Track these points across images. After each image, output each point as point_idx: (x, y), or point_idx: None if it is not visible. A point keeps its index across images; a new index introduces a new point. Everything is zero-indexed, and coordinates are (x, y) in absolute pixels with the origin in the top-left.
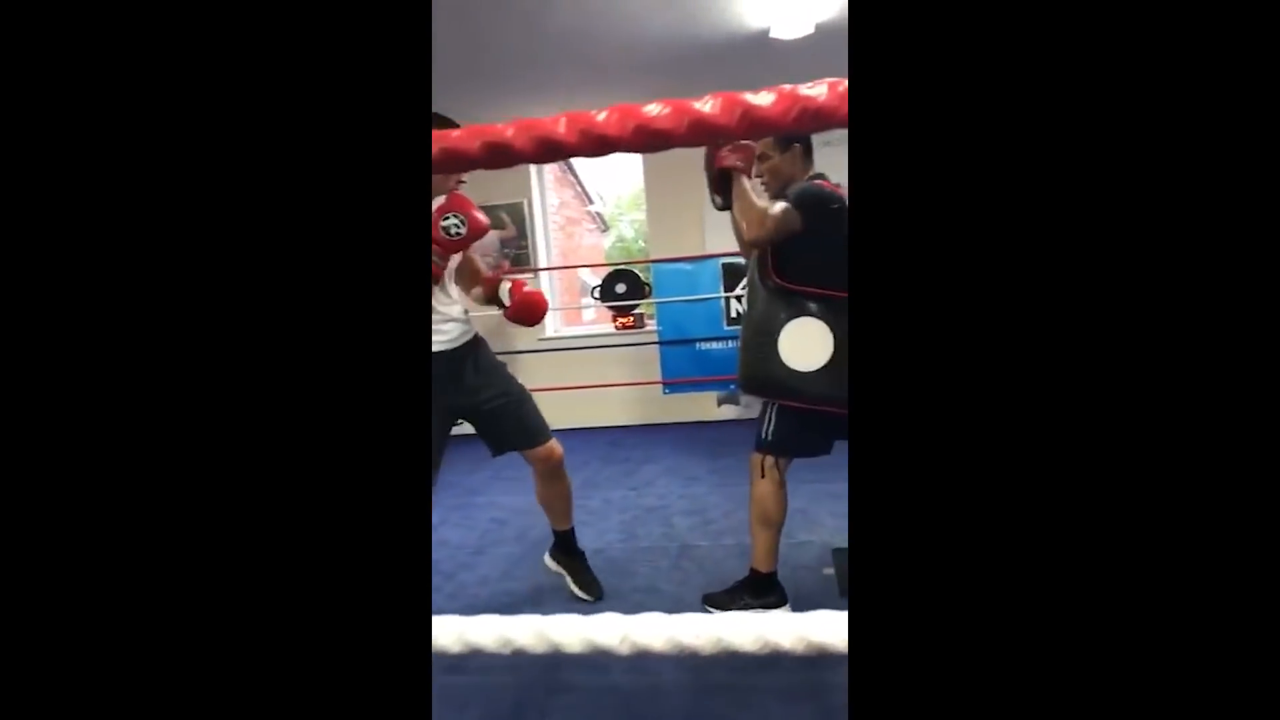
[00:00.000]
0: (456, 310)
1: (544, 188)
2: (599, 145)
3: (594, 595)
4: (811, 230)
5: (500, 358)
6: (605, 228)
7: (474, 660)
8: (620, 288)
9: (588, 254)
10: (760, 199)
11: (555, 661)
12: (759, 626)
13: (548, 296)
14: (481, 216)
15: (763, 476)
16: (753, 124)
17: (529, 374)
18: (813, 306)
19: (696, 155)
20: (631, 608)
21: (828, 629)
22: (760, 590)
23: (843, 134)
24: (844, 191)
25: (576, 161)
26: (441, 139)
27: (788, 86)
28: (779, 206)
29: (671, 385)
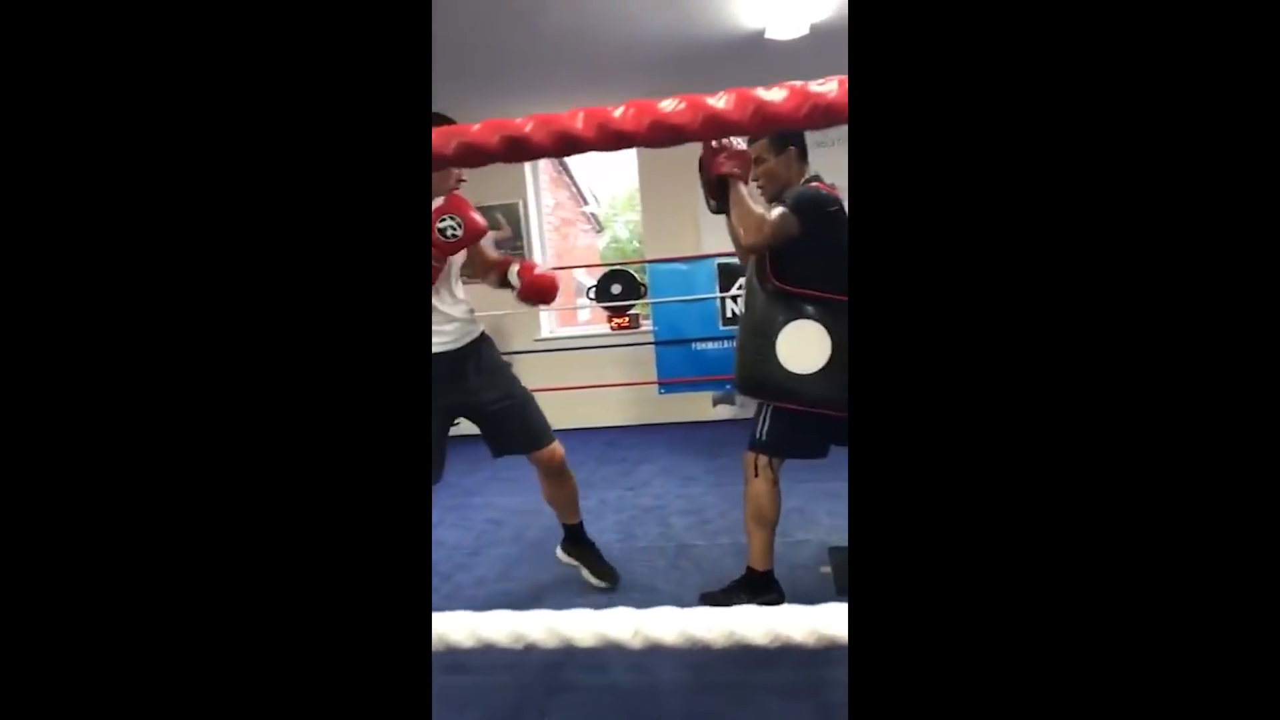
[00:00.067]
0: (460, 310)
1: (539, 188)
2: (615, 140)
3: (610, 582)
4: (809, 234)
5: None
6: (600, 228)
7: (474, 660)
8: (616, 288)
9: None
10: (757, 205)
11: (555, 661)
12: (770, 619)
13: None
14: (479, 218)
15: (756, 476)
16: (765, 119)
17: (525, 374)
18: (811, 309)
19: (691, 156)
20: (630, 606)
21: (838, 622)
22: (757, 589)
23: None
24: (840, 193)
25: (572, 161)
26: (460, 133)
27: (798, 83)
28: (776, 212)
29: (667, 385)
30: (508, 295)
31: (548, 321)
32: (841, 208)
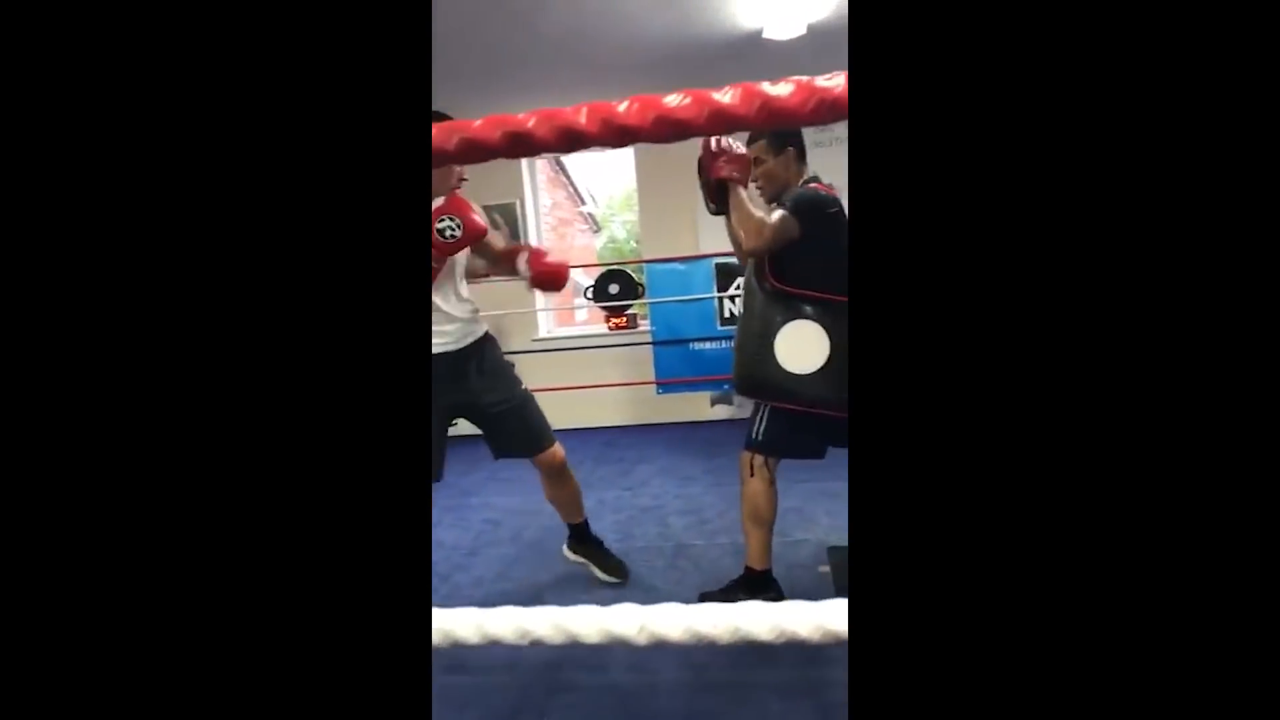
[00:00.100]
0: (462, 310)
1: (536, 188)
2: (619, 135)
3: (620, 577)
4: (808, 235)
5: None
6: (597, 228)
7: (473, 660)
8: (614, 288)
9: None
10: (756, 208)
11: (554, 660)
12: (775, 615)
13: (539, 298)
14: (479, 219)
15: (751, 475)
16: (772, 114)
17: (523, 374)
18: (809, 310)
19: (689, 156)
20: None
21: (842, 617)
22: (756, 588)
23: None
24: (838, 194)
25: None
26: (462, 128)
27: (805, 78)
28: (777, 215)
29: (665, 385)
30: (505, 295)
31: (545, 321)
32: (841, 209)
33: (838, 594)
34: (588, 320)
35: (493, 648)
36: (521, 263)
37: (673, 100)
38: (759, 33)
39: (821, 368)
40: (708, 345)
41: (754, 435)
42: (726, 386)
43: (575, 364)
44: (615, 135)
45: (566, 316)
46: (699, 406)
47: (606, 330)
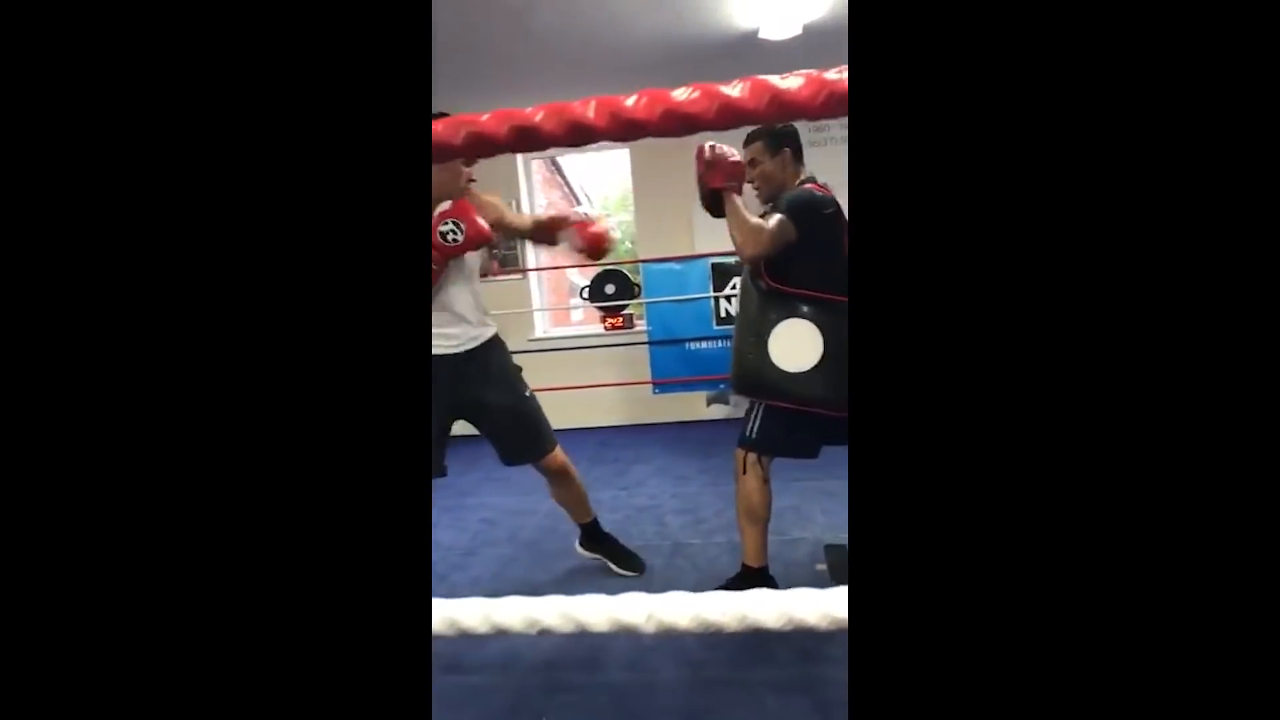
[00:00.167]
0: (469, 313)
1: (532, 188)
2: (627, 129)
3: (637, 570)
4: (805, 236)
5: None
6: None
7: (469, 659)
8: (609, 288)
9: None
10: (752, 215)
11: (551, 660)
12: (782, 602)
13: (535, 298)
14: (483, 224)
15: (744, 473)
16: (781, 108)
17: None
18: (804, 309)
19: (684, 156)
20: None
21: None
22: (752, 585)
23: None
24: (833, 193)
25: (564, 161)
26: (469, 123)
27: (813, 71)
28: (774, 220)
29: (661, 385)
30: (502, 295)
31: (541, 321)
32: (837, 209)
33: None
34: (583, 320)
35: (488, 647)
36: (566, 237)
37: (681, 94)
38: (755, 32)
39: (815, 366)
40: (704, 345)
41: (748, 433)
42: (723, 386)
43: (571, 364)
44: (623, 129)
45: (562, 316)
46: (695, 406)
47: (602, 330)
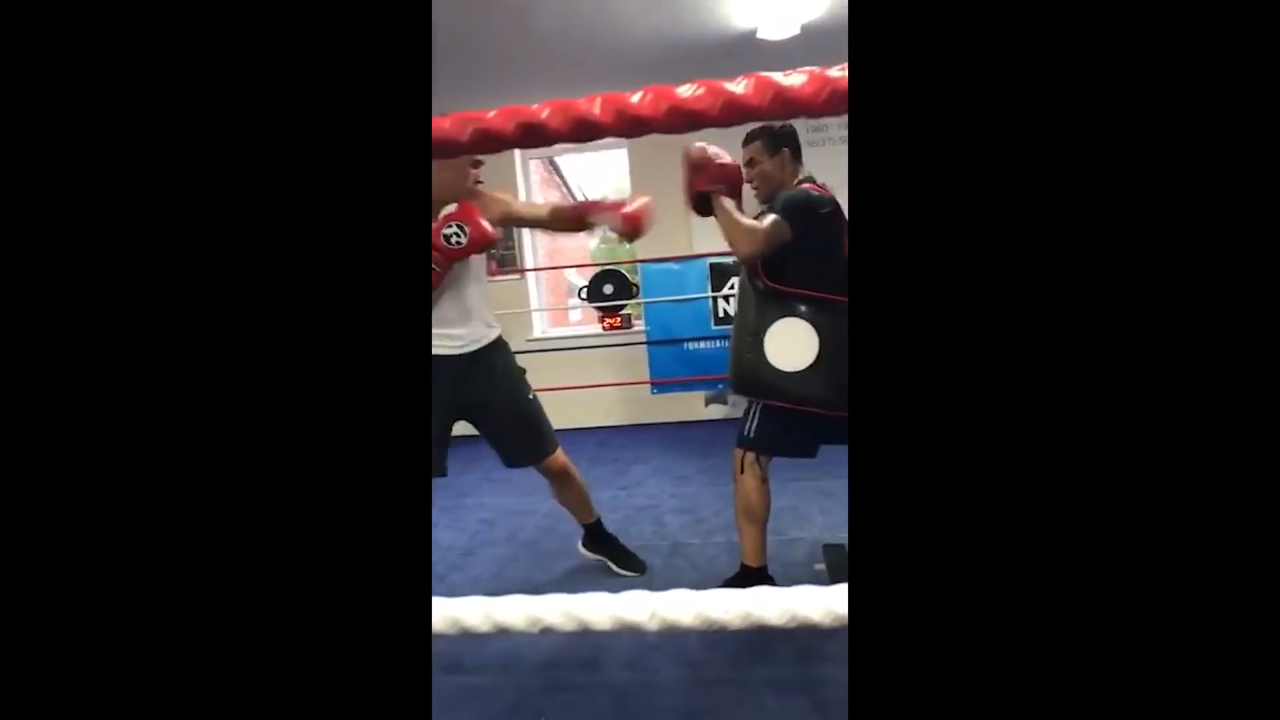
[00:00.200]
0: (478, 314)
1: (530, 188)
2: (632, 125)
3: (638, 570)
4: (801, 236)
5: None
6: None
7: (468, 659)
8: (608, 288)
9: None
10: (744, 216)
11: (550, 660)
12: (786, 600)
13: (533, 298)
14: (487, 227)
15: (742, 472)
16: (785, 105)
17: None
18: (801, 308)
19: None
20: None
21: None
22: (751, 585)
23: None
24: (832, 193)
25: (562, 162)
26: (475, 119)
27: (817, 69)
28: (768, 220)
29: (659, 385)
30: (498, 296)
31: (539, 321)
32: (834, 208)
33: None
34: (582, 320)
35: (488, 647)
36: (607, 217)
37: (686, 91)
38: (753, 33)
39: (810, 366)
40: (702, 345)
41: (746, 433)
42: (721, 386)
43: (569, 364)
44: (628, 126)
45: (561, 317)
46: (693, 406)
47: (601, 330)
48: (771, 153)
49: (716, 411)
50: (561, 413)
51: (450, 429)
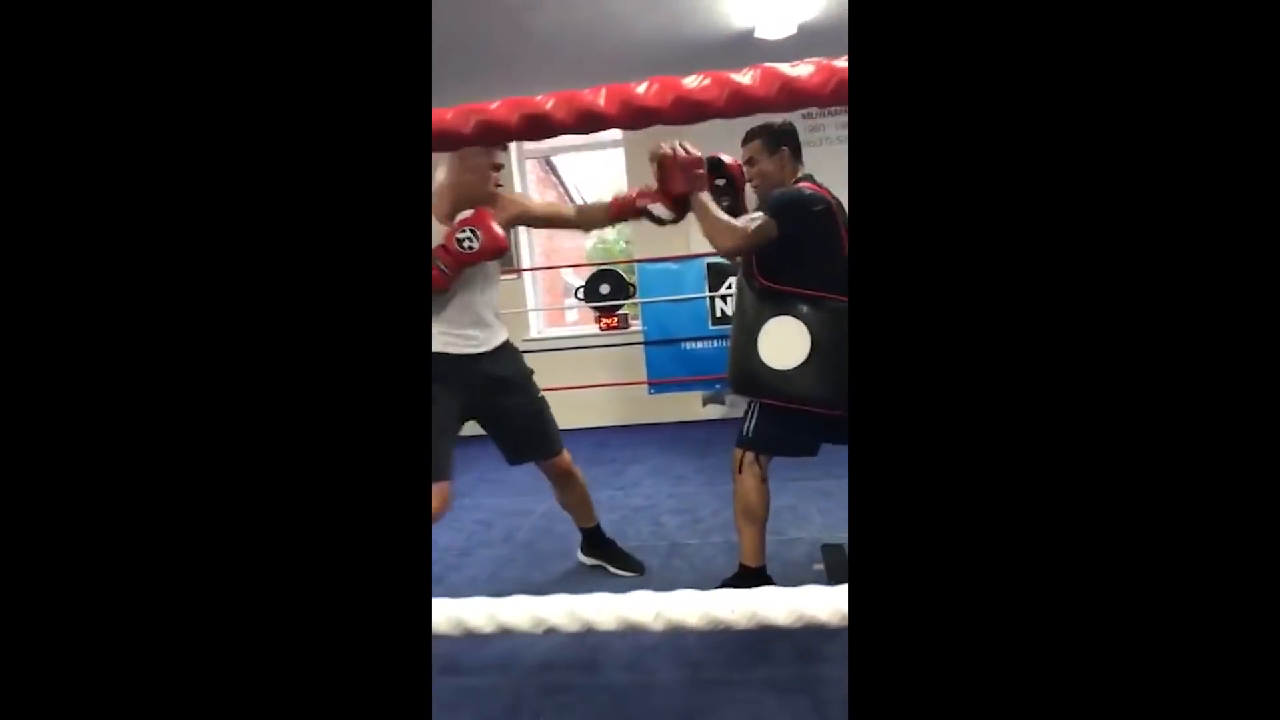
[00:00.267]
0: (491, 316)
1: (526, 187)
2: (638, 117)
3: (637, 571)
4: (792, 234)
5: None
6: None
7: (466, 660)
8: (604, 288)
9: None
10: (721, 211)
11: (548, 661)
12: (793, 599)
13: (530, 298)
14: (499, 235)
15: (741, 472)
16: (793, 95)
17: None
18: (796, 306)
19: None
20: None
21: None
22: (750, 585)
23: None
24: (829, 192)
25: (559, 161)
26: (479, 111)
27: (824, 59)
28: (758, 218)
29: (657, 385)
30: None
31: (536, 322)
32: (828, 206)
33: None
34: (578, 321)
35: (486, 648)
36: (655, 206)
37: (692, 81)
38: (750, 32)
39: (802, 364)
40: (699, 345)
41: (744, 432)
42: (718, 386)
43: (566, 365)
44: (634, 117)
45: (557, 317)
46: (691, 406)
47: (598, 331)
48: (771, 151)
49: (714, 411)
50: (558, 413)
51: (457, 428)
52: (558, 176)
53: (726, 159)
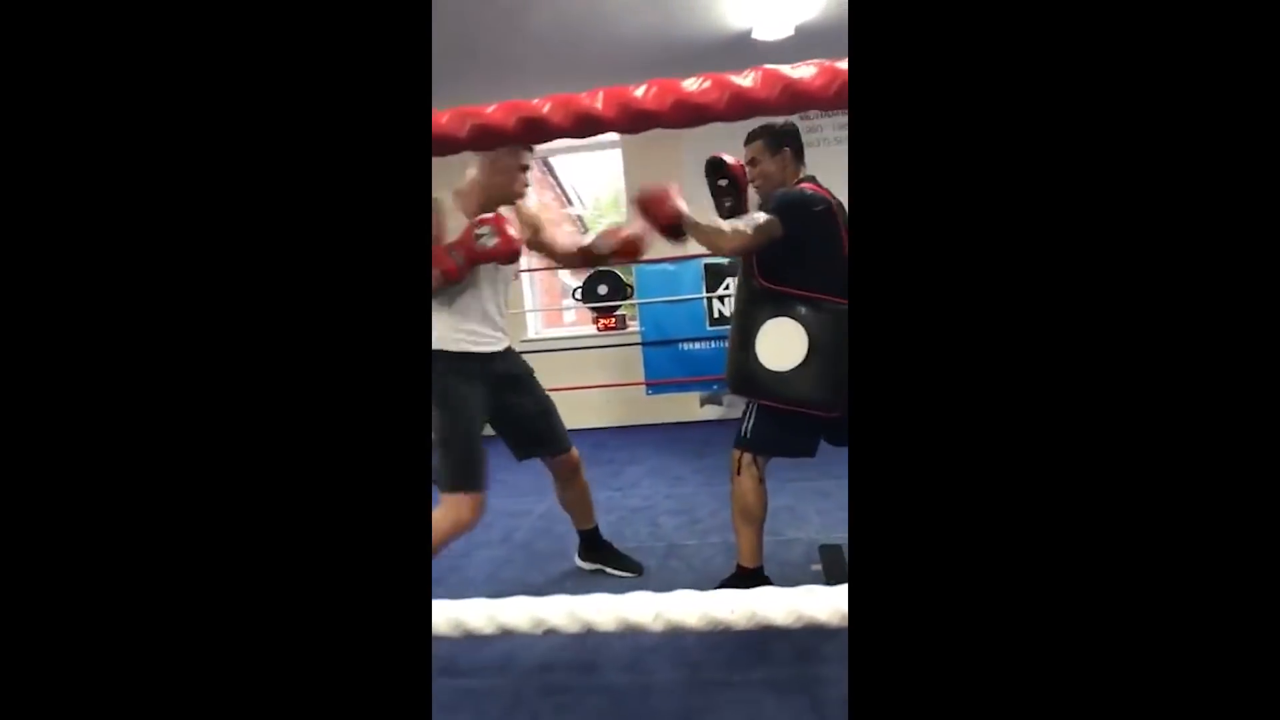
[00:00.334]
0: (502, 318)
1: None
2: (636, 120)
3: (635, 570)
4: (793, 234)
5: None
6: (585, 230)
7: (464, 662)
8: (602, 289)
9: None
10: (711, 220)
11: (546, 662)
12: (792, 599)
13: (528, 299)
14: (515, 239)
15: (739, 473)
16: (794, 97)
17: None
18: (794, 308)
19: (677, 156)
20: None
21: None
22: (747, 586)
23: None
24: (830, 194)
25: (556, 163)
26: (474, 114)
27: (826, 61)
28: (760, 218)
29: (655, 386)
30: None
31: (533, 322)
32: (829, 207)
33: None
34: (576, 321)
35: (485, 649)
36: (597, 243)
37: (692, 84)
38: (748, 33)
39: (800, 365)
40: (697, 346)
41: (743, 433)
42: (716, 387)
43: (564, 365)
44: (633, 120)
45: (555, 317)
46: (689, 407)
47: (595, 331)
48: (773, 152)
49: (712, 412)
50: None
51: (482, 427)
52: (555, 177)
53: (729, 159)
